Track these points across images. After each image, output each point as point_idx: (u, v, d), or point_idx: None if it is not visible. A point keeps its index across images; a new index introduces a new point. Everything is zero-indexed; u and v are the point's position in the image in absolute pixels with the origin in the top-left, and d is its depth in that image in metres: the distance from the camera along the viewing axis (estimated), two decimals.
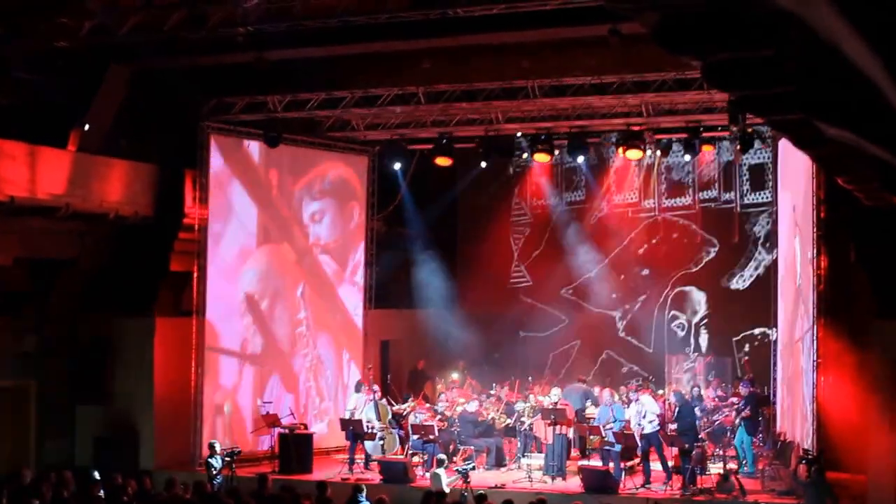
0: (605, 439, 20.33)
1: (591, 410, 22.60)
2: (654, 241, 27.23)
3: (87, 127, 20.86)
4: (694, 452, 19.83)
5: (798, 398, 20.76)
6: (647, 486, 19.92)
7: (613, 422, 20.40)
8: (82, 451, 22.03)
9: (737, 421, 21.36)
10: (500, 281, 28.58)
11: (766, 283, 24.58)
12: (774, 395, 22.81)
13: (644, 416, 20.40)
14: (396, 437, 22.55)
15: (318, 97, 21.74)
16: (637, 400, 20.82)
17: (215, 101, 22.18)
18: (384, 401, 23.07)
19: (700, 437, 20.92)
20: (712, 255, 26.62)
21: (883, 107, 5.71)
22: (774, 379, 23.09)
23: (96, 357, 22.24)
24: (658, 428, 20.33)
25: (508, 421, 22.67)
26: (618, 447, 20.12)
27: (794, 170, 21.23)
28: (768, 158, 25.23)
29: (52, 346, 21.87)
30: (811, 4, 4.67)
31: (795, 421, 21.03)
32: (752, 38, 5.30)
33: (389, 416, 22.72)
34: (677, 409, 21.24)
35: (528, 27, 18.32)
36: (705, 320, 26.66)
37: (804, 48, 5.29)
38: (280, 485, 17.11)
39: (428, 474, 19.67)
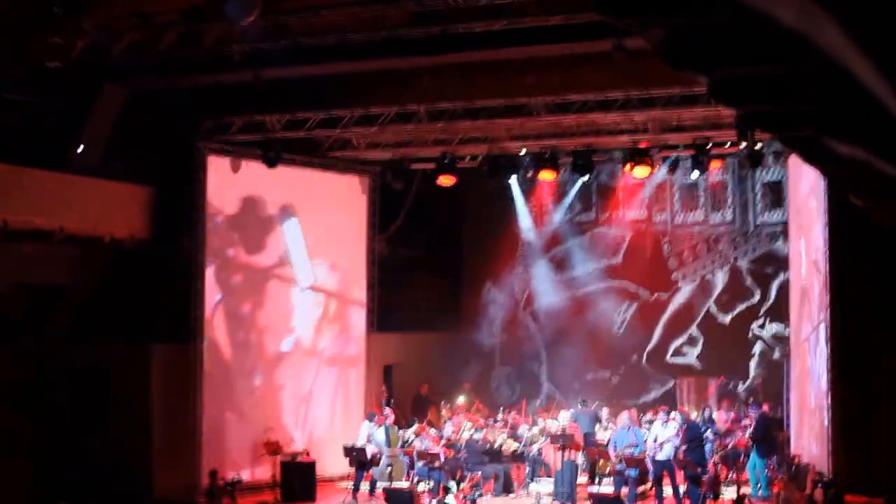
0: (620, 464, 19.90)
1: (600, 434, 22.20)
2: (663, 257, 26.79)
3: (81, 148, 20.51)
4: (706, 476, 19.46)
5: (806, 400, 20.61)
6: None
7: (636, 446, 20.00)
8: (79, 480, 21.55)
9: (750, 444, 20.96)
10: (506, 302, 28.17)
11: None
12: (788, 418, 22.41)
13: (667, 441, 19.96)
14: (405, 464, 22.09)
15: (317, 116, 21.41)
16: (666, 422, 20.34)
17: (212, 122, 21.83)
18: (395, 427, 22.65)
19: (711, 458, 20.55)
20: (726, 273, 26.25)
21: (893, 124, 5.44)
22: (788, 400, 22.72)
23: (94, 385, 21.79)
24: (673, 454, 19.89)
25: (516, 446, 22.25)
26: (633, 472, 19.70)
27: (801, 176, 21.07)
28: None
29: (49, 374, 21.43)
30: (816, 23, 4.38)
31: (803, 425, 20.79)
32: (759, 55, 5.01)
33: (400, 443, 22.26)
34: (684, 429, 20.85)
35: (531, 43, 18.00)
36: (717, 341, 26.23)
37: (813, 65, 4.99)
38: None
39: (435, 502, 19.23)
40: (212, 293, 22.26)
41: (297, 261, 23.98)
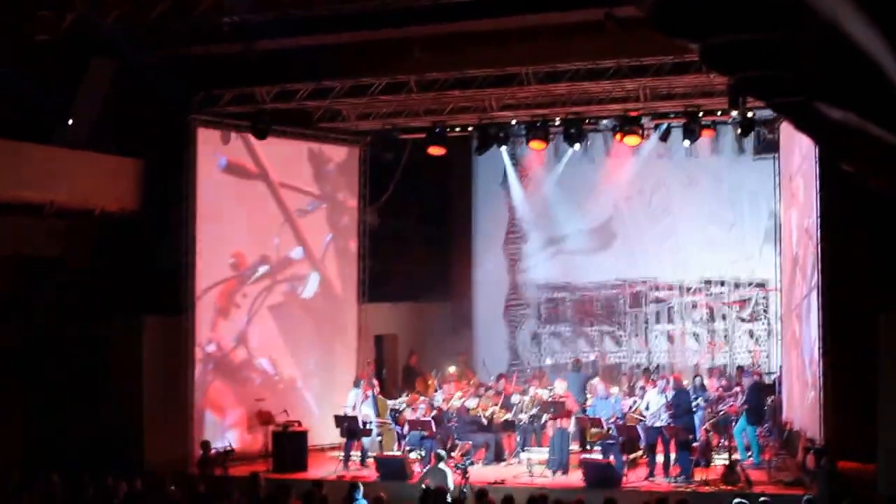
0: (609, 432, 19.97)
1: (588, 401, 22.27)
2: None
3: (70, 121, 20.45)
4: (697, 444, 19.53)
5: (798, 367, 20.80)
6: (650, 478, 19.59)
7: (623, 415, 20.09)
8: (71, 452, 21.56)
9: (741, 411, 21.02)
10: (495, 271, 28.14)
11: None
12: (780, 385, 22.49)
13: (660, 409, 20.04)
14: (395, 433, 22.14)
15: (308, 87, 21.34)
16: (664, 391, 20.39)
17: (202, 94, 21.72)
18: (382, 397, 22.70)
19: (702, 426, 20.61)
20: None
21: (888, 88, 5.42)
22: (780, 367, 22.80)
23: (85, 357, 21.79)
24: (667, 422, 19.95)
25: (508, 416, 22.30)
26: (618, 438, 19.78)
27: (792, 144, 21.12)
28: None
29: (39, 346, 21.41)
30: None
31: (794, 392, 21.00)
32: (753, 21, 4.99)
33: (389, 412, 22.31)
34: (673, 396, 20.89)
35: (521, 12, 17.97)
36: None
37: (808, 30, 4.98)
38: (275, 484, 16.73)
39: (425, 470, 19.25)
40: (202, 263, 22.21)
41: (285, 231, 24.04)
